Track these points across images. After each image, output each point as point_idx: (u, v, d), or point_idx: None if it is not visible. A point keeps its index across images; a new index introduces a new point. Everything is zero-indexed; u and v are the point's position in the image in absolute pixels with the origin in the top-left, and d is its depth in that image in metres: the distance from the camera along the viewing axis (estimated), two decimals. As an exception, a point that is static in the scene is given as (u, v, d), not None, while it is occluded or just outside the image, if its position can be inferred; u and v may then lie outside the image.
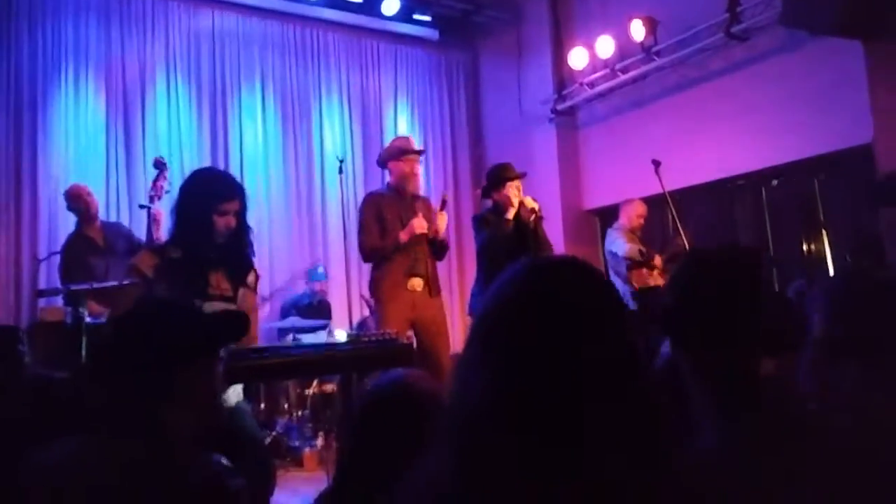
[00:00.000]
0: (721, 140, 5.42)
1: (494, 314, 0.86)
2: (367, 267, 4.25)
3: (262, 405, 5.07)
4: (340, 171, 4.18)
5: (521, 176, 4.25)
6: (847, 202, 4.89)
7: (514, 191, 4.15)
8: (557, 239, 5.34)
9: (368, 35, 7.25)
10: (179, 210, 2.57)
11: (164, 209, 3.02)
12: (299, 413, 5.15)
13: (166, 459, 1.25)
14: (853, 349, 1.39)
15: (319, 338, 4.74)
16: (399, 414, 1.36)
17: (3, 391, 2.06)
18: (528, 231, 4.13)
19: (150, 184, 3.66)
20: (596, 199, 6.65)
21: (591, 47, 6.25)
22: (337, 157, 4.24)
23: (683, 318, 1.24)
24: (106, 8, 5.92)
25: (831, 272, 4.87)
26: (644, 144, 5.71)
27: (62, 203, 4.70)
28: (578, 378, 0.78)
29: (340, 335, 3.87)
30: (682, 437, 1.07)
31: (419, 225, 3.96)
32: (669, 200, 4.73)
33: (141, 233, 4.02)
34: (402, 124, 7.43)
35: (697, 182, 5.58)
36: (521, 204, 4.14)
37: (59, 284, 4.49)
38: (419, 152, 4.25)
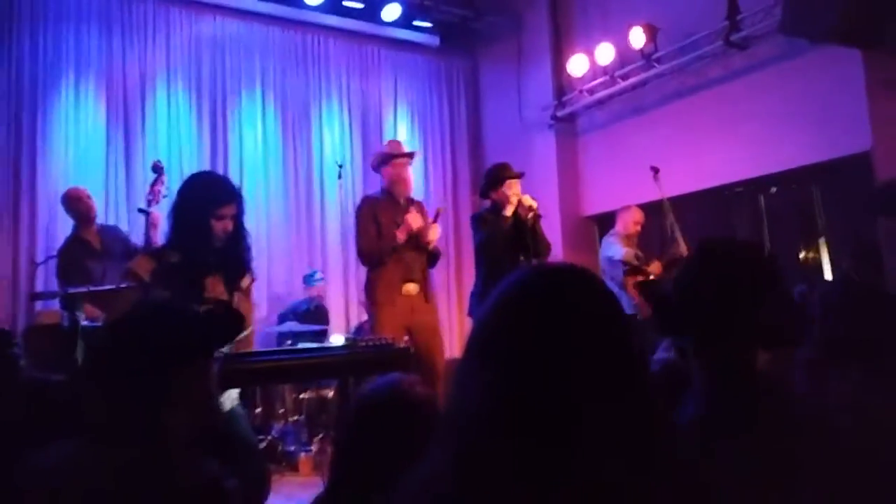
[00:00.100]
0: (720, 147, 5.42)
1: (494, 319, 0.86)
2: (365, 272, 4.26)
3: (259, 409, 5.06)
4: (340, 177, 4.19)
5: (519, 175, 4.28)
6: (845, 210, 4.89)
7: (512, 190, 4.17)
8: (556, 245, 5.34)
9: (369, 41, 7.27)
10: (177, 214, 2.57)
11: (161, 213, 3.02)
12: (295, 418, 5.14)
13: (162, 462, 1.25)
14: (851, 351, 1.40)
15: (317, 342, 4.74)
16: (393, 418, 1.36)
17: (-2, 394, 2.05)
18: (526, 229, 4.15)
19: (148, 188, 3.67)
20: (595, 205, 6.65)
21: (590, 54, 6.27)
22: (336, 163, 4.26)
23: (685, 308, 1.25)
24: (107, 14, 5.93)
25: (829, 279, 4.87)
26: (643, 151, 5.72)
27: (61, 207, 4.69)
28: (576, 383, 0.79)
29: (338, 340, 3.88)
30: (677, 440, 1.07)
31: (413, 220, 4.00)
32: (669, 207, 4.73)
33: (139, 236, 4.02)
34: (401, 130, 7.44)
35: (696, 189, 5.58)
36: (519, 202, 4.16)
37: (55, 288, 4.49)
38: (407, 155, 4.25)
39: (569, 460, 0.77)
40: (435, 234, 4.11)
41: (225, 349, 2.45)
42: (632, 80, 6.07)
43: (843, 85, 4.57)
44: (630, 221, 5.36)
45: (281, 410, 5.17)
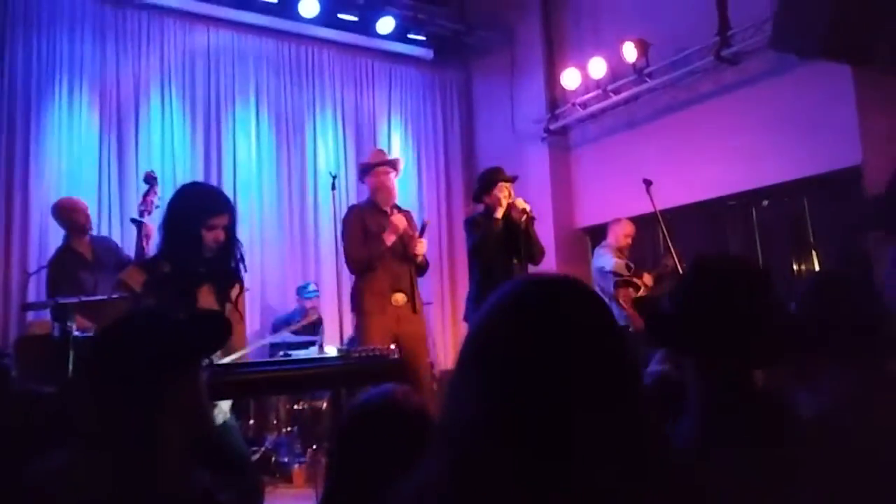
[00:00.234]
0: (712, 160, 5.46)
1: (489, 328, 0.87)
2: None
3: (252, 421, 5.03)
4: (333, 188, 4.19)
5: (511, 179, 4.30)
6: (836, 223, 4.93)
7: (504, 192, 4.19)
8: (549, 256, 5.34)
9: (363, 53, 7.30)
10: (168, 224, 2.57)
11: (154, 224, 3.02)
12: (288, 429, 5.12)
13: (155, 472, 1.25)
14: (826, 346, 1.41)
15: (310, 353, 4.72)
16: (387, 428, 1.36)
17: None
18: (518, 232, 4.17)
19: (140, 199, 3.66)
20: (587, 217, 6.68)
21: (583, 68, 6.31)
22: (330, 174, 4.26)
23: (681, 324, 1.26)
24: (101, 22, 5.93)
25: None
26: (635, 164, 5.74)
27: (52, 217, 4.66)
28: (571, 392, 0.79)
29: (331, 351, 3.87)
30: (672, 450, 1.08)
31: (399, 220, 4.05)
32: (661, 220, 4.75)
33: (131, 247, 4.01)
34: (395, 142, 7.46)
35: (688, 202, 5.61)
36: (512, 205, 4.18)
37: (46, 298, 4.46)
38: (388, 163, 4.27)
39: (564, 469, 0.77)
40: (422, 247, 4.13)
41: (216, 359, 2.44)
42: (624, 94, 6.12)
43: (834, 100, 4.61)
44: (621, 234, 5.40)
45: (274, 422, 5.15)
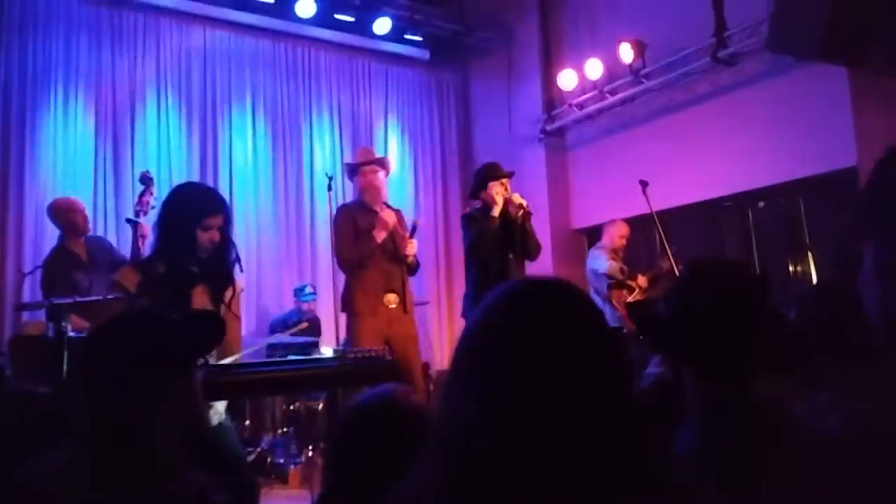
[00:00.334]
0: (708, 162, 5.47)
1: (483, 329, 0.88)
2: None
3: (248, 422, 5.02)
4: (330, 189, 4.18)
5: (507, 175, 4.31)
6: (832, 224, 4.94)
7: (500, 188, 4.20)
8: (545, 257, 5.36)
9: (360, 54, 7.30)
10: (163, 224, 2.56)
11: (150, 224, 3.00)
12: (284, 430, 5.11)
13: (150, 473, 1.24)
14: (824, 349, 1.41)
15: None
16: (386, 429, 1.36)
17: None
18: (515, 228, 4.17)
19: (136, 199, 3.65)
20: (584, 218, 6.69)
21: (580, 69, 6.32)
22: (326, 175, 4.25)
23: (677, 330, 1.25)
24: (97, 24, 5.92)
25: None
26: (632, 165, 5.75)
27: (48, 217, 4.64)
28: (564, 393, 0.80)
29: (326, 351, 3.86)
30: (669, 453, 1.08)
31: (388, 216, 4.04)
32: (656, 221, 4.76)
33: (127, 247, 3.99)
34: (392, 143, 7.46)
35: (684, 203, 5.62)
36: (509, 200, 4.18)
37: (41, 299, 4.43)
38: (375, 162, 4.26)
39: (558, 470, 0.77)
40: (412, 248, 4.12)
41: (212, 361, 2.44)
42: (620, 96, 6.13)
43: (830, 101, 4.63)
44: (616, 235, 5.43)
45: (270, 422, 5.13)
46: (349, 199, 6.83)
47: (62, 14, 5.77)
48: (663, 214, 5.11)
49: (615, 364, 0.85)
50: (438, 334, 7.27)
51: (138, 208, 3.58)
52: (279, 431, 5.09)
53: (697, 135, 5.59)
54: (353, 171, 4.32)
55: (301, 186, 6.80)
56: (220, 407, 2.56)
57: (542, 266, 5.41)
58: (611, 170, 6.30)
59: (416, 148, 7.64)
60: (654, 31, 5.77)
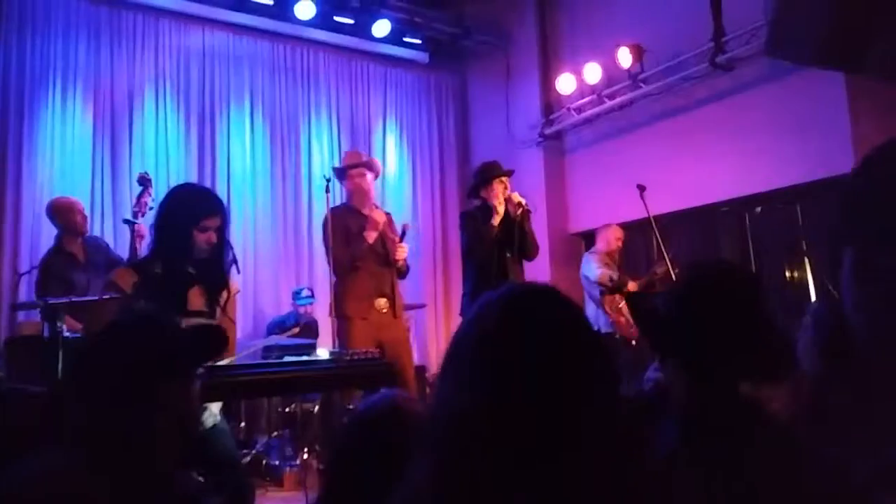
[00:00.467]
0: (705, 166, 5.48)
1: (472, 334, 0.91)
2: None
3: (243, 423, 5.01)
4: (328, 191, 4.19)
5: (508, 174, 4.31)
6: (829, 230, 4.94)
7: (498, 199, 4.20)
8: (543, 260, 5.37)
9: (359, 56, 7.30)
10: (160, 225, 2.55)
11: (147, 225, 3.00)
12: (279, 432, 5.10)
13: (144, 475, 1.24)
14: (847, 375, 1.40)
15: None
16: (391, 434, 1.35)
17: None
18: (514, 227, 4.17)
19: (134, 200, 3.65)
20: (581, 222, 6.69)
21: (578, 73, 6.33)
22: (324, 177, 4.26)
23: (669, 327, 1.26)
24: (96, 23, 5.91)
25: (813, 299, 4.92)
26: (629, 169, 5.76)
27: (45, 217, 4.63)
28: (549, 395, 0.83)
29: (322, 353, 3.85)
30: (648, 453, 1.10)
31: (378, 215, 4.08)
32: (654, 225, 4.77)
33: (124, 248, 3.99)
34: (390, 145, 7.46)
35: (682, 207, 5.63)
36: (508, 199, 4.19)
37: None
38: (362, 164, 4.26)
39: (543, 471, 0.79)
40: (402, 252, 4.13)
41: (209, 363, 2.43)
42: (619, 100, 6.14)
43: (827, 106, 4.64)
44: (612, 238, 5.45)
45: (265, 424, 5.13)
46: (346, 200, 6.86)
47: (61, 13, 5.76)
48: (661, 219, 5.12)
49: (596, 367, 0.88)
50: (436, 336, 7.26)
51: (136, 209, 3.59)
52: (274, 433, 5.08)
53: (695, 139, 5.60)
54: (341, 174, 4.32)
55: (299, 188, 6.79)
56: (214, 408, 2.55)
57: (539, 269, 5.43)
58: (609, 174, 6.30)
59: (415, 151, 7.64)
60: (652, 36, 5.78)
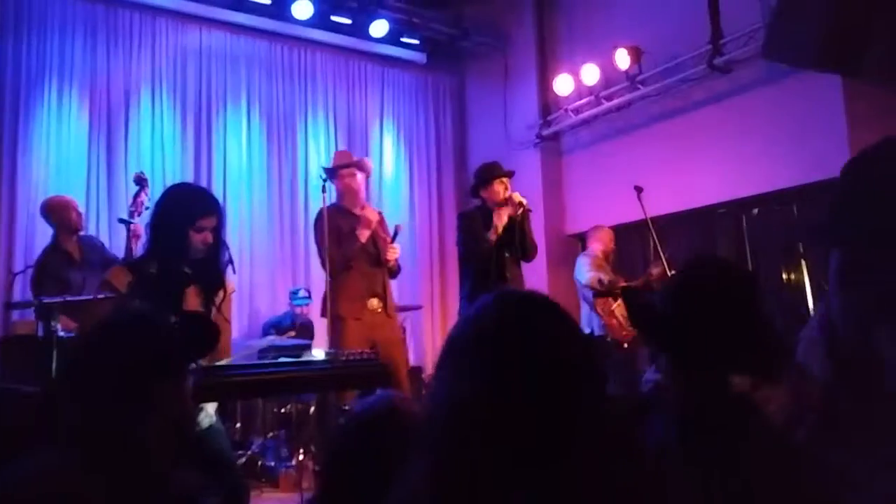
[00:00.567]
0: (703, 168, 5.49)
1: (470, 332, 0.93)
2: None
3: (238, 424, 4.99)
4: (324, 191, 4.18)
5: (508, 174, 4.31)
6: (809, 229, 4.95)
7: (500, 188, 4.20)
8: (540, 261, 5.35)
9: (356, 56, 7.29)
10: (155, 225, 2.55)
11: (142, 224, 2.99)
12: (275, 432, 5.08)
13: (139, 475, 1.23)
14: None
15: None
16: (389, 435, 1.34)
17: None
18: (514, 227, 4.17)
19: (130, 199, 3.64)
20: (578, 223, 6.68)
21: (576, 74, 6.33)
22: (321, 177, 4.25)
23: (670, 328, 1.26)
24: (92, 22, 5.90)
25: (810, 301, 4.93)
26: (627, 171, 5.77)
27: (39, 216, 4.61)
28: (538, 395, 0.84)
29: (318, 354, 3.85)
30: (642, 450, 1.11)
31: (370, 213, 4.08)
32: (651, 227, 4.77)
33: (120, 247, 3.97)
34: (387, 146, 7.46)
35: (679, 209, 5.64)
36: (509, 199, 4.19)
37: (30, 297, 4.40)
38: (352, 164, 4.26)
39: (536, 471, 0.80)
40: (394, 253, 4.13)
41: (203, 362, 2.42)
42: (616, 101, 6.14)
43: (824, 109, 4.65)
44: (607, 240, 5.45)
45: (261, 425, 5.11)
46: (344, 201, 6.85)
47: (57, 11, 5.74)
48: (658, 220, 5.13)
49: (591, 369, 0.90)
50: (432, 337, 7.25)
51: (132, 209, 3.58)
52: (270, 434, 5.07)
53: (692, 141, 5.61)
54: (331, 174, 4.30)
55: (295, 188, 6.78)
56: (210, 409, 2.54)
57: (536, 270, 5.42)
58: (606, 175, 6.31)
59: (412, 151, 7.63)
60: (650, 38, 5.78)
